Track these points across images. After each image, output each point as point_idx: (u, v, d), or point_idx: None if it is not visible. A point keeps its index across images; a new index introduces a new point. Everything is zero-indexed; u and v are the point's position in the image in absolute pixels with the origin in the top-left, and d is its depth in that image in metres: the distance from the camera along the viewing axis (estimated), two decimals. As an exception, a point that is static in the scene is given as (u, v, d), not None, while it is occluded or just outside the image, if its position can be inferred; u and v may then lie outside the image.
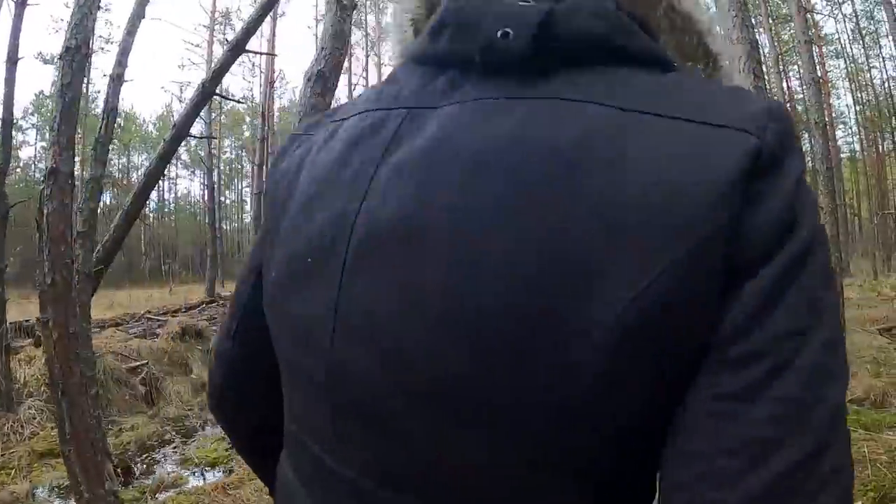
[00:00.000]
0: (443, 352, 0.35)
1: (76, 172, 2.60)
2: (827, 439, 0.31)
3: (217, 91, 6.32)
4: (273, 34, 17.39)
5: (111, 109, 3.53)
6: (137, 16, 3.86)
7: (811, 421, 0.31)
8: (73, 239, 2.63)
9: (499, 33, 0.37)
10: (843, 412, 0.32)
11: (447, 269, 0.35)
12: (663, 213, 0.32)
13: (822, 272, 0.34)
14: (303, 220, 0.42)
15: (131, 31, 3.79)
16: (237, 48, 5.75)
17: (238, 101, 7.55)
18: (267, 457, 0.53)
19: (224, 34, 22.25)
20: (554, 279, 0.33)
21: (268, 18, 16.66)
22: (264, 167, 14.98)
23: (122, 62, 3.66)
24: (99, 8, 2.68)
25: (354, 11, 2.43)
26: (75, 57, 2.43)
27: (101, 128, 3.47)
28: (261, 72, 20.15)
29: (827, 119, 5.39)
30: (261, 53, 12.63)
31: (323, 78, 2.24)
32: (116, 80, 3.59)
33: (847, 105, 26.50)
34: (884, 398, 4.35)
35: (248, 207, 39.18)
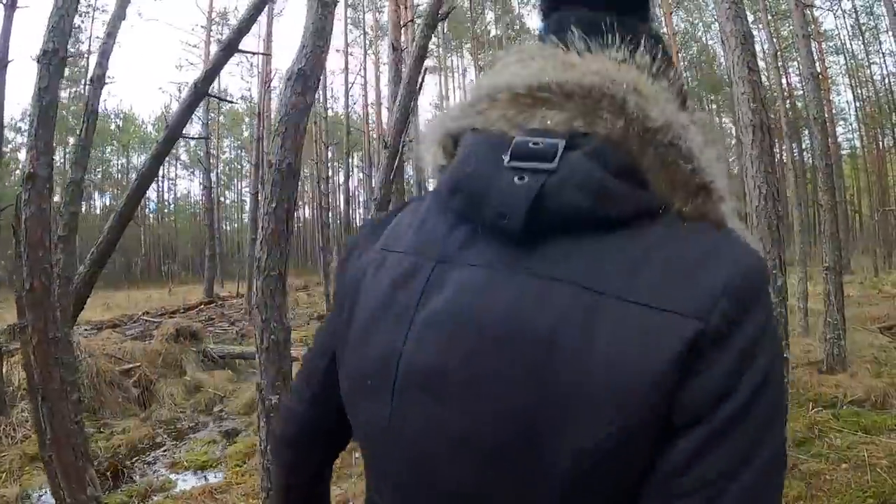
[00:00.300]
0: (460, 462, 0.47)
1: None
2: None
3: (210, 91, 6.32)
4: (269, 33, 17.29)
5: (91, 112, 3.47)
6: (118, 17, 3.81)
7: None
8: (52, 244, 2.58)
9: (498, 217, 0.47)
10: None
11: (461, 407, 0.47)
12: (614, 393, 0.42)
13: (764, 420, 0.42)
14: (362, 345, 0.54)
15: (112, 32, 3.73)
16: (230, 48, 5.73)
17: (231, 101, 7.46)
18: (291, 490, 0.73)
19: (221, 34, 22.27)
20: (533, 429, 0.44)
21: (264, 17, 16.60)
22: (260, 168, 14.92)
23: (102, 64, 3.60)
24: (77, 11, 2.62)
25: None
26: (52, 60, 2.38)
27: (81, 131, 3.42)
28: (258, 72, 20.03)
29: (826, 115, 5.32)
30: (254, 53, 12.53)
31: (304, 76, 2.18)
32: (97, 82, 3.53)
33: (847, 101, 26.32)
34: (884, 399, 4.28)
35: (247, 207, 39.19)
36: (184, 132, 5.54)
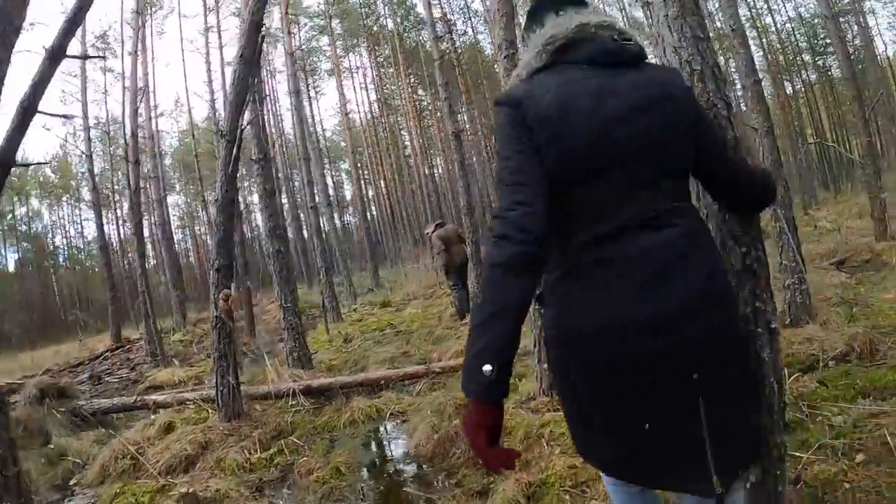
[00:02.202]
0: (652, 131, 1.20)
1: None
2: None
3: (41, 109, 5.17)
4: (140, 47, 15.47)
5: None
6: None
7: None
8: None
9: (626, 45, 1.25)
10: None
11: (641, 111, 1.21)
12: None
13: None
14: (589, 131, 1.19)
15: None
16: (55, 56, 4.61)
17: (64, 116, 6.04)
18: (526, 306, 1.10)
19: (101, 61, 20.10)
20: (676, 116, 1.23)
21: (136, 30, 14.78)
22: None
23: None
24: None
25: None
26: None
27: None
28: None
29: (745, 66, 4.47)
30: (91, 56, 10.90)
31: None
32: None
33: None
34: (872, 349, 3.43)
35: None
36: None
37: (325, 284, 12.07)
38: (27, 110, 4.93)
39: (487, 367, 1.01)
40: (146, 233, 18.98)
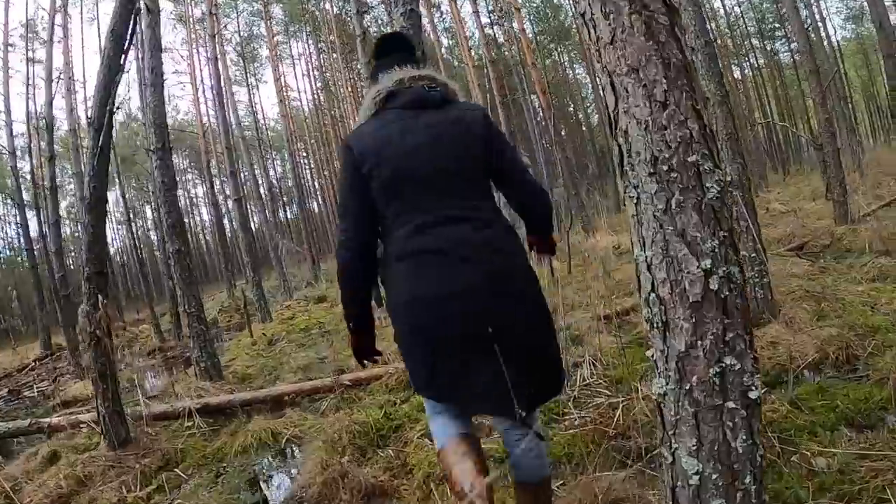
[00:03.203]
0: (438, 155, 1.64)
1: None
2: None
3: None
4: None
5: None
6: None
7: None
8: None
9: (431, 92, 1.72)
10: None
11: (430, 144, 1.65)
12: (474, 136, 1.70)
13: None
14: (395, 159, 1.65)
15: None
16: None
17: None
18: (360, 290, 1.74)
19: (32, 51, 18.30)
20: (468, 143, 1.68)
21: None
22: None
23: None
24: None
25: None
26: None
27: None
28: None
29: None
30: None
31: None
32: None
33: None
34: (849, 354, 2.85)
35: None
36: None
37: (252, 282, 11.37)
38: None
39: (352, 323, 1.77)
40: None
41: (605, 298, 4.91)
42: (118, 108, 3.93)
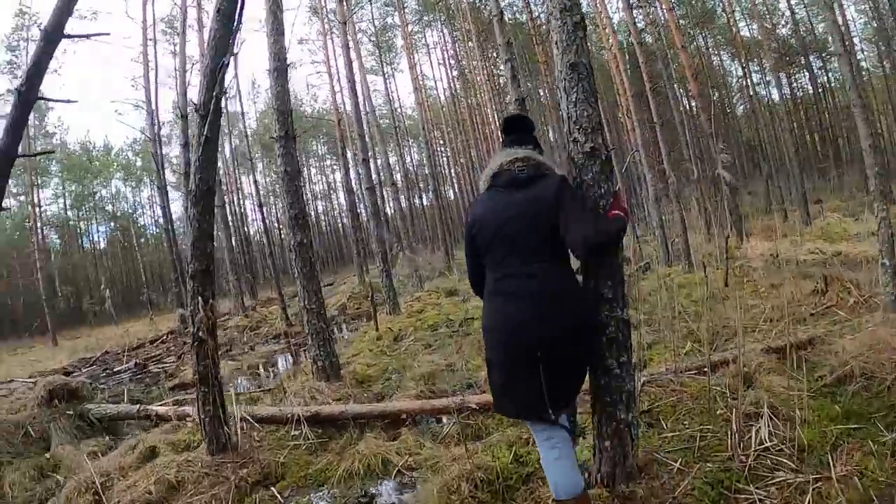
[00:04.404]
0: (518, 228, 2.38)
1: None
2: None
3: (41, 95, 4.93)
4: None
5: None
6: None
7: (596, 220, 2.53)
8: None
9: (520, 175, 2.46)
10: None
11: (514, 217, 2.41)
12: (546, 206, 2.36)
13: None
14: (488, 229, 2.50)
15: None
16: (50, 38, 4.54)
17: (67, 102, 5.29)
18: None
19: (173, 44, 19.78)
20: (534, 217, 2.36)
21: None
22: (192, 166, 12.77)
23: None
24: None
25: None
26: None
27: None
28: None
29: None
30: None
31: None
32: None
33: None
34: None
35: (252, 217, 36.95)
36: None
37: (381, 271, 11.09)
38: (24, 102, 4.60)
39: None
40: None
41: (775, 324, 3.96)
42: (225, 93, 3.70)
